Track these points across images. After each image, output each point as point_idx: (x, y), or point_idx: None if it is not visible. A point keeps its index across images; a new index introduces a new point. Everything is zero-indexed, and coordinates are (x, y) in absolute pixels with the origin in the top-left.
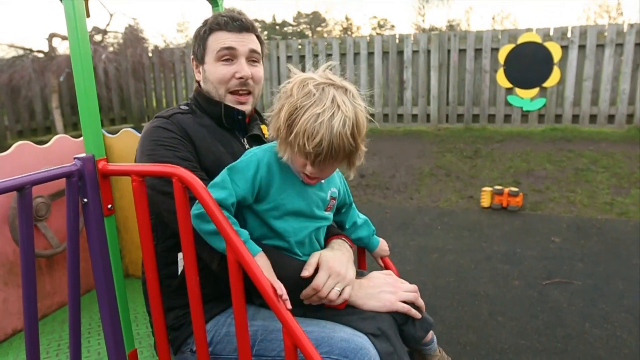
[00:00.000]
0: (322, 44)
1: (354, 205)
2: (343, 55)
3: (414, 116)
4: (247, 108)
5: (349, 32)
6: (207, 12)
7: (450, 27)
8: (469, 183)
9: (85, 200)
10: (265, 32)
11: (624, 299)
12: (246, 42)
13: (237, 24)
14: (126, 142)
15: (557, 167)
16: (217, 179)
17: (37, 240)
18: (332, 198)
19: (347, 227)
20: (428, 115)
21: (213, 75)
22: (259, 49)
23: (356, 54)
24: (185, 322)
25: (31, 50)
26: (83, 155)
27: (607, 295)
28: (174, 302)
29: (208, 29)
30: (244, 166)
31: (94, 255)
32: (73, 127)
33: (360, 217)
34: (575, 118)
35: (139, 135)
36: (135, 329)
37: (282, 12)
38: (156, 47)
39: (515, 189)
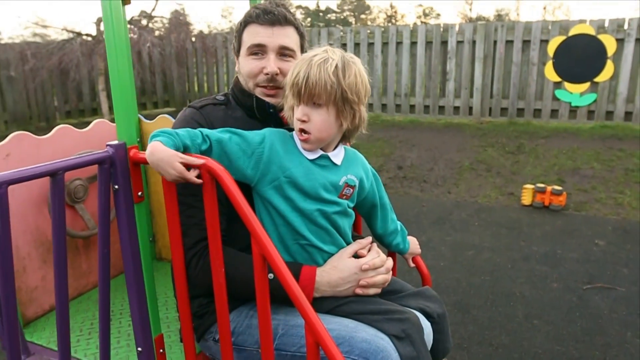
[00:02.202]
0: (365, 33)
1: (389, 209)
2: (385, 44)
3: (456, 108)
4: (277, 101)
5: (393, 20)
6: None
7: (499, 17)
8: (510, 179)
9: (117, 186)
10: (309, 19)
11: None
12: (276, 37)
13: (269, 17)
14: (162, 127)
15: (606, 166)
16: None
17: (74, 221)
18: (349, 185)
19: (379, 232)
20: (470, 108)
21: (244, 68)
22: (292, 43)
23: (399, 43)
24: (209, 311)
25: (80, 34)
26: (115, 142)
27: None
28: (198, 290)
29: (244, 21)
30: (251, 134)
31: (123, 241)
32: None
33: (395, 223)
34: (628, 115)
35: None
36: (164, 312)
37: None
38: (200, 32)
39: (559, 188)
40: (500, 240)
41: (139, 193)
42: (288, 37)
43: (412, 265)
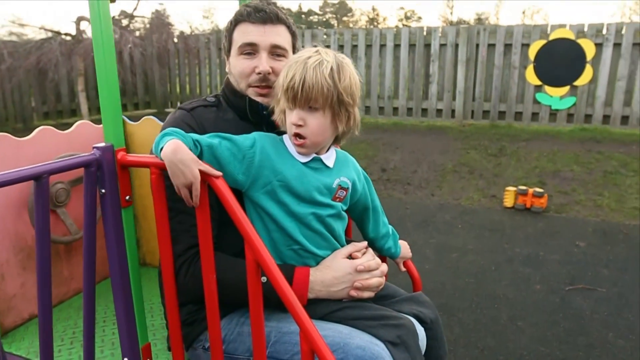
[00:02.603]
0: (348, 35)
1: (381, 212)
2: (369, 46)
3: (439, 111)
4: (269, 101)
5: (375, 23)
6: None
7: (479, 20)
8: (492, 182)
9: (103, 190)
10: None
11: None
12: (268, 36)
13: (260, 15)
14: (148, 130)
15: (585, 169)
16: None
17: (56, 226)
18: (342, 188)
19: (371, 236)
20: (453, 111)
21: (235, 68)
22: (284, 42)
23: (382, 46)
24: (198, 318)
25: (59, 33)
26: (102, 144)
27: (633, 305)
28: (187, 297)
29: (234, 20)
30: (241, 138)
31: (110, 247)
32: (97, 110)
33: (386, 226)
34: (606, 119)
35: (161, 123)
36: (150, 320)
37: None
38: (182, 33)
39: (540, 190)
40: (483, 242)
41: (127, 197)
42: (280, 35)
43: (403, 269)
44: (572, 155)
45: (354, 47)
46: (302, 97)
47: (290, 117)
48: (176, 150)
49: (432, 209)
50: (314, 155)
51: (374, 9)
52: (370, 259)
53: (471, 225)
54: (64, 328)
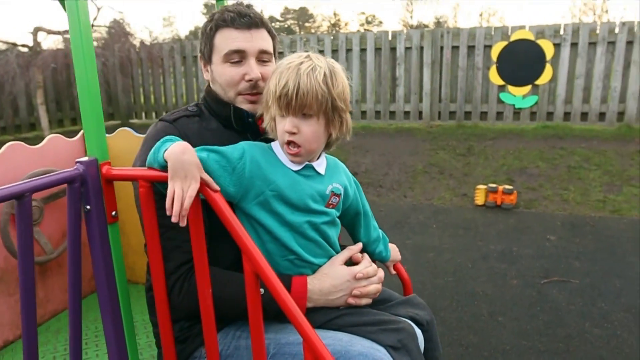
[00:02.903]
0: (314, 40)
1: (371, 216)
2: (335, 51)
3: (406, 113)
4: (256, 108)
5: (337, 28)
6: (193, 6)
7: (438, 23)
8: (462, 181)
9: (88, 207)
10: None
11: (622, 298)
12: (255, 41)
13: (245, 20)
14: (123, 142)
15: (550, 164)
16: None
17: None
18: (335, 194)
19: (363, 241)
20: (420, 113)
21: (221, 77)
22: (269, 47)
23: (348, 50)
24: (191, 335)
25: (15, 45)
26: (85, 159)
27: (605, 294)
28: (179, 314)
29: (214, 25)
30: (229, 149)
31: (96, 266)
32: (58, 123)
33: (377, 230)
34: (567, 116)
35: (137, 135)
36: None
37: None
38: (142, 42)
39: (510, 187)
40: (458, 240)
41: (113, 213)
42: (265, 40)
43: (394, 272)
44: (537, 152)
45: (320, 52)
46: (297, 104)
47: (283, 125)
48: (185, 151)
49: (405, 210)
50: (306, 162)
51: (335, 14)
52: (367, 265)
53: (445, 225)
54: (43, 353)
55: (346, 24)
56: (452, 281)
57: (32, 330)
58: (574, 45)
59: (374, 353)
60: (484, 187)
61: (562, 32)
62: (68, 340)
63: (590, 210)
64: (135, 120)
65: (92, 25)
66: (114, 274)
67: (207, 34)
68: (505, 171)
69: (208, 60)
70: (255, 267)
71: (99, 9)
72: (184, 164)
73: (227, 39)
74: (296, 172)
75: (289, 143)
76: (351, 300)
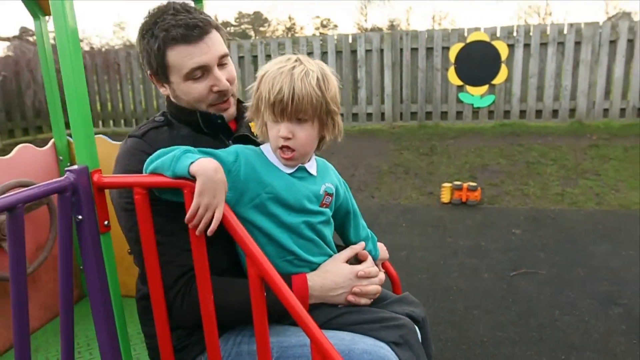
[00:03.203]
0: (275, 44)
1: (359, 216)
2: (296, 54)
3: (369, 115)
4: (230, 111)
5: (292, 32)
6: (144, 11)
7: (392, 26)
8: (427, 179)
9: (80, 217)
10: None
11: (586, 286)
12: (212, 50)
13: (197, 31)
14: (98, 150)
15: (510, 161)
16: None
17: (3, 261)
18: (328, 194)
19: (353, 240)
20: (382, 114)
21: (189, 95)
22: (225, 48)
23: (309, 54)
24: (190, 343)
25: None
26: (75, 167)
27: (571, 283)
28: (175, 322)
29: (162, 43)
30: (223, 153)
31: (90, 278)
32: (9, 134)
33: (366, 229)
34: (523, 113)
35: (113, 142)
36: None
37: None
38: (92, 48)
39: (474, 184)
40: (428, 238)
41: (105, 222)
42: (219, 43)
43: (382, 271)
44: (496, 150)
45: (281, 55)
46: (292, 109)
47: (277, 130)
48: (217, 170)
49: (374, 210)
50: (299, 164)
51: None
52: (370, 265)
53: (414, 223)
54: None
55: (302, 28)
56: (426, 278)
57: (25, 345)
58: (527, 46)
59: (377, 350)
60: (449, 185)
61: (515, 33)
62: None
63: (550, 203)
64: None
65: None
66: (108, 287)
67: (155, 53)
68: (467, 169)
69: (164, 79)
70: (260, 270)
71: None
72: (216, 184)
73: (184, 58)
74: (290, 174)
75: (282, 147)
76: (351, 298)
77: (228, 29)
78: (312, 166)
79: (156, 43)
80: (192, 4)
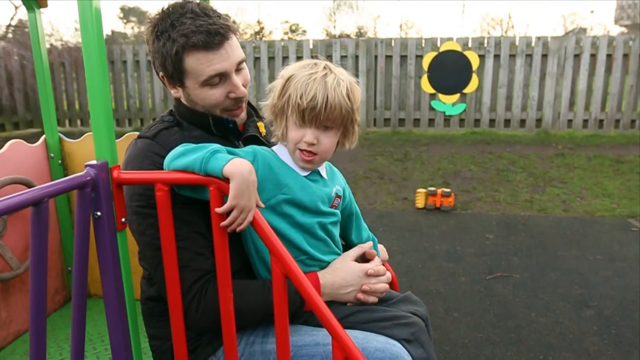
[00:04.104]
0: (250, 47)
1: (361, 217)
2: (271, 58)
3: None
4: (242, 115)
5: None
6: (106, 9)
7: (360, 34)
8: (401, 185)
9: (99, 213)
10: None
11: (559, 289)
12: (232, 55)
13: (218, 39)
14: (90, 148)
15: (481, 168)
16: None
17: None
18: (338, 196)
19: (355, 242)
20: None
21: (204, 100)
22: (241, 52)
23: (285, 58)
24: (200, 344)
25: None
26: (94, 162)
27: (544, 286)
28: (188, 326)
29: (180, 48)
30: (242, 152)
31: (106, 278)
32: None
33: (367, 231)
34: (492, 122)
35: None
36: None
37: None
38: (63, 43)
39: (448, 190)
40: (405, 242)
41: (122, 219)
42: (238, 48)
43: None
44: (468, 157)
45: (257, 59)
46: (323, 117)
47: (301, 135)
48: (251, 171)
49: None
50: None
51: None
52: (378, 264)
53: (390, 228)
54: None
55: (270, 33)
56: (405, 281)
57: (41, 348)
58: (497, 56)
59: (390, 348)
60: (424, 190)
61: (485, 44)
62: None
63: (520, 209)
64: (58, 128)
65: (10, 25)
66: (122, 285)
67: (172, 58)
68: (441, 175)
69: (179, 83)
70: (285, 268)
71: (17, 8)
72: (250, 186)
73: (203, 64)
74: (305, 176)
75: (304, 150)
76: (360, 296)
77: None
78: (323, 169)
79: (174, 47)
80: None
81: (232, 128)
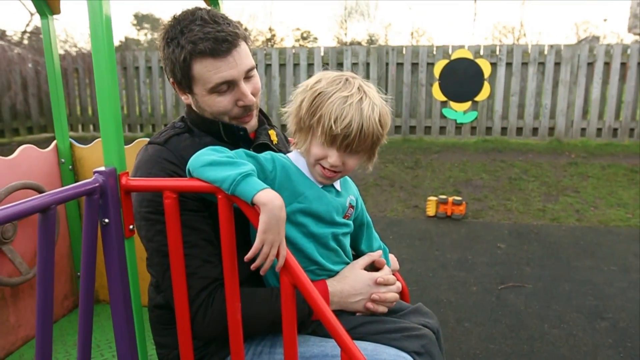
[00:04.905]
0: (261, 54)
1: (372, 227)
2: (282, 65)
3: None
4: (252, 124)
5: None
6: (121, 16)
7: (371, 41)
8: (412, 193)
9: (107, 220)
10: None
11: (572, 300)
12: (240, 63)
13: (226, 46)
14: (101, 154)
15: (493, 176)
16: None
17: (1, 266)
18: (351, 206)
19: (366, 251)
20: None
21: (212, 107)
22: (251, 59)
23: (296, 65)
24: (207, 353)
25: None
26: (103, 168)
27: (557, 297)
28: (195, 334)
29: (188, 55)
30: (262, 159)
31: (113, 284)
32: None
33: (378, 241)
34: (504, 130)
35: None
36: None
37: None
38: (77, 50)
39: (459, 198)
40: (416, 251)
41: (130, 226)
42: (247, 56)
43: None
44: (479, 165)
45: (268, 65)
46: (356, 143)
47: (326, 154)
48: (282, 207)
49: None
50: None
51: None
52: (388, 272)
53: (401, 236)
54: None
55: (282, 40)
56: (416, 290)
57: (47, 354)
58: (509, 64)
59: None
60: (435, 198)
61: (497, 52)
62: None
63: (532, 219)
64: (71, 133)
65: (25, 31)
66: (130, 293)
67: (181, 64)
68: (452, 183)
69: (188, 90)
70: (294, 278)
71: (32, 14)
72: (280, 221)
73: (210, 72)
74: (321, 187)
75: (326, 168)
76: (369, 305)
77: None
78: (337, 181)
79: (182, 54)
80: (219, 12)
81: (242, 135)
